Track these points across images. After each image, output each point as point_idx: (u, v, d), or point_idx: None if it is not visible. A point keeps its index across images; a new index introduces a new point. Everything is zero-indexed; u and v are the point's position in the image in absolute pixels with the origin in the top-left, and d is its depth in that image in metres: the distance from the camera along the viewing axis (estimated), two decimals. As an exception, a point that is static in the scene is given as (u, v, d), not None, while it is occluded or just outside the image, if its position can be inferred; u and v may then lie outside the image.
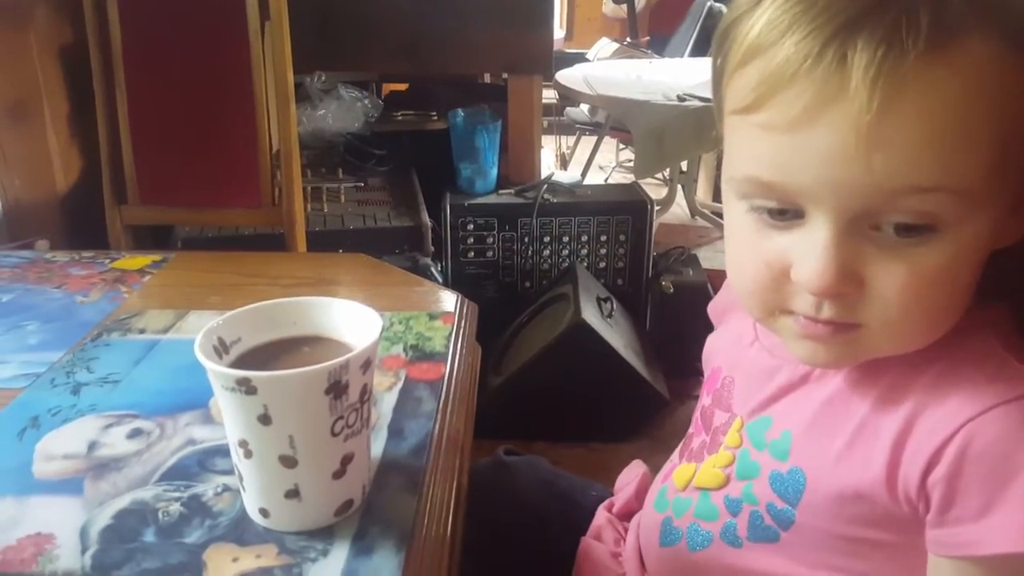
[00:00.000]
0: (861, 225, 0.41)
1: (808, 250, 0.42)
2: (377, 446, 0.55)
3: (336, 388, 0.44)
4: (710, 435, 0.57)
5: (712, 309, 0.66)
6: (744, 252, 0.46)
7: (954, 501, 0.42)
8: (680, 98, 2.00)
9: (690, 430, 0.61)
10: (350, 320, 0.49)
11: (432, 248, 1.66)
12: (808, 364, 0.48)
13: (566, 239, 1.80)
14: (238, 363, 0.47)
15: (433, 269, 1.61)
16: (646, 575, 0.62)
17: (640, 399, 1.62)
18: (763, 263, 0.44)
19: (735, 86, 0.43)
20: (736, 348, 0.59)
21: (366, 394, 0.47)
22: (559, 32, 4.63)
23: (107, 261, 0.89)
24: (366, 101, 1.88)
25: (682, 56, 3.13)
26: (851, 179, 0.39)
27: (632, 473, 0.73)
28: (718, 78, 0.46)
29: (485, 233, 1.77)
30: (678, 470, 0.59)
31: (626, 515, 0.69)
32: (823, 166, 0.39)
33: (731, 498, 0.53)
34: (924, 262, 0.41)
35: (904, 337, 0.44)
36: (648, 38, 4.07)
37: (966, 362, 0.44)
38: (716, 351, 0.63)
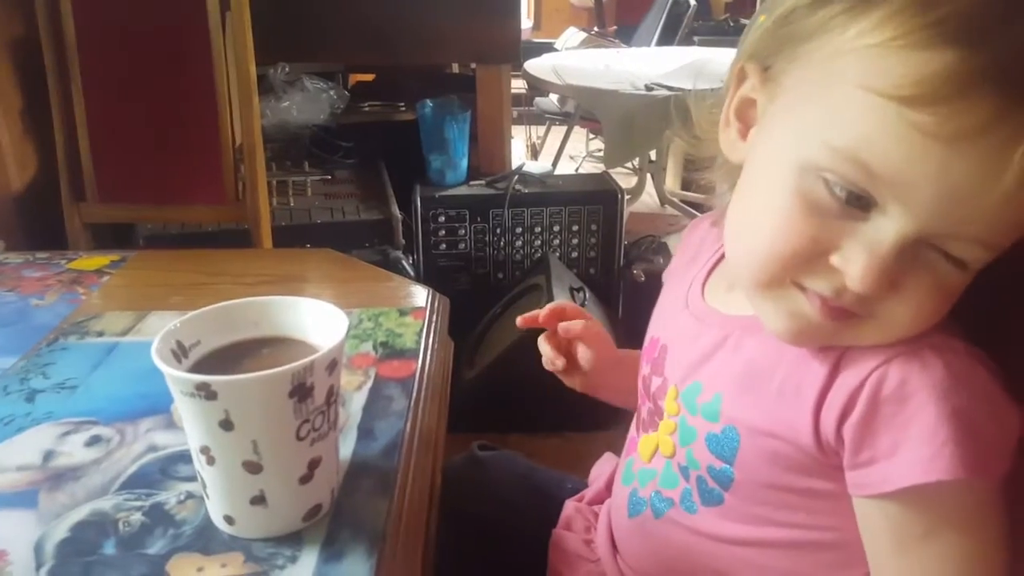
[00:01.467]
0: (921, 240, 0.41)
1: (867, 246, 0.41)
2: (346, 448, 0.53)
3: (300, 391, 0.43)
4: (652, 401, 0.59)
5: (665, 276, 0.68)
6: (787, 219, 0.43)
7: (865, 443, 0.44)
8: (648, 87, 1.99)
9: (638, 402, 0.63)
10: (315, 319, 0.48)
11: (403, 241, 1.64)
12: (782, 340, 0.47)
13: (538, 229, 1.79)
14: (198, 367, 0.46)
15: (404, 262, 1.59)
16: (619, 555, 0.62)
17: (614, 388, 1.62)
18: (809, 237, 0.42)
19: (873, 61, 0.39)
20: (667, 314, 0.61)
21: (333, 396, 0.46)
22: (527, 22, 4.61)
23: (63, 262, 0.86)
24: (332, 92, 1.84)
25: (649, 45, 3.13)
26: (973, 207, 0.38)
27: (605, 465, 0.73)
28: (818, 26, 0.41)
29: (456, 225, 1.76)
30: (642, 442, 0.60)
31: (597, 504, 0.69)
32: (956, 184, 0.38)
33: (682, 465, 0.55)
34: (952, 279, 0.42)
35: (895, 335, 0.44)
36: (615, 27, 4.07)
37: None
38: (655, 318, 0.64)
